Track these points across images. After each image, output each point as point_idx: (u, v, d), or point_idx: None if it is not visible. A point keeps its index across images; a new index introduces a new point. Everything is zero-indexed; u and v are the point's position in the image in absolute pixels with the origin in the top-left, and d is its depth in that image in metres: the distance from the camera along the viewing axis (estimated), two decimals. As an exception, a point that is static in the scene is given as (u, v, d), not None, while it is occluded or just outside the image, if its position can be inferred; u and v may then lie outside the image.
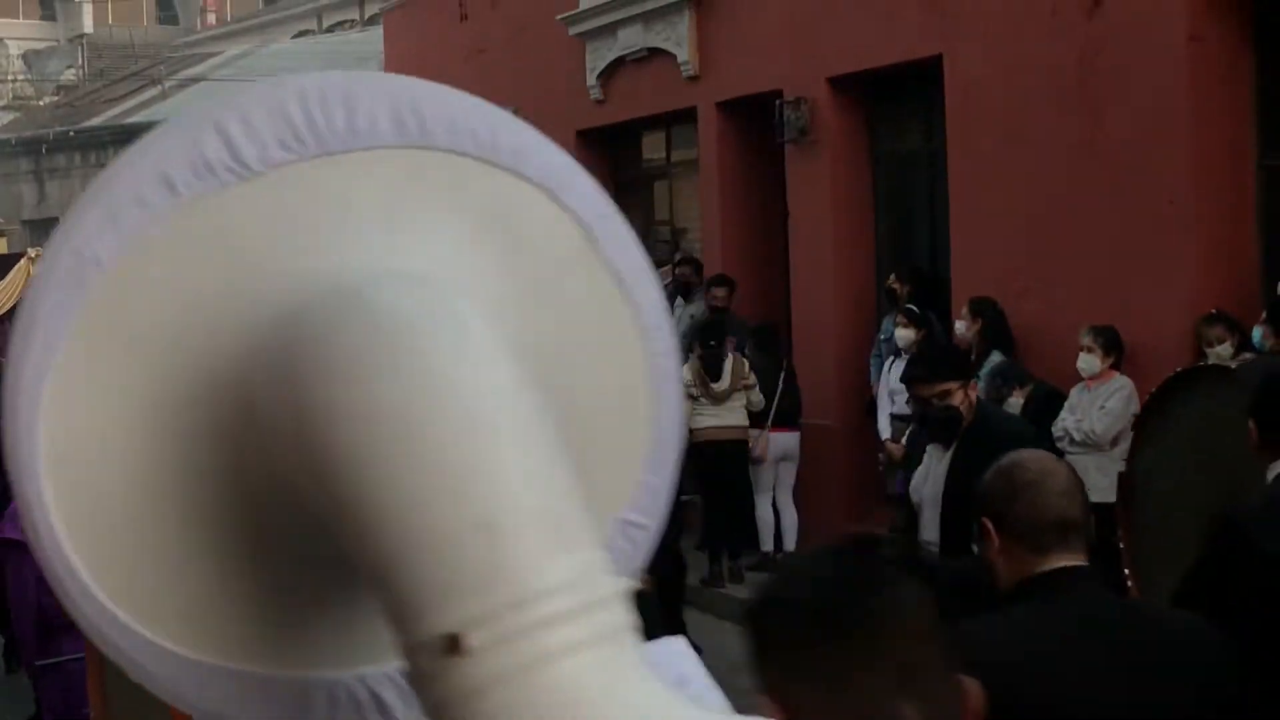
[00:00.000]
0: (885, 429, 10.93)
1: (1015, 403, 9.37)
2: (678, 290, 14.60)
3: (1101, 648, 3.08)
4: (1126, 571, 5.88)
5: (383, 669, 1.99)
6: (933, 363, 6.81)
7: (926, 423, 6.50)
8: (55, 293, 1.88)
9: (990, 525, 3.25)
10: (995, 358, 10.21)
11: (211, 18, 54.55)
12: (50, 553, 1.88)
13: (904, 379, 7.02)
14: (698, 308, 13.95)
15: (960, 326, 10.72)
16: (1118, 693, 3.03)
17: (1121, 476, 6.20)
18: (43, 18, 55.03)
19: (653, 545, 2.22)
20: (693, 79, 14.41)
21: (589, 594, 1.65)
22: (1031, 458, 3.35)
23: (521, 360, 1.89)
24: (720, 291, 13.28)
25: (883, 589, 1.83)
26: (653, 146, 16.40)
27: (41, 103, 42.12)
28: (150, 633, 1.92)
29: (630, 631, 1.68)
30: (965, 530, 4.17)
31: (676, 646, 2.03)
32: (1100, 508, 4.83)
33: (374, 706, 2.01)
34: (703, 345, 12.25)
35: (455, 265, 1.99)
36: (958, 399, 6.25)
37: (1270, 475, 4.09)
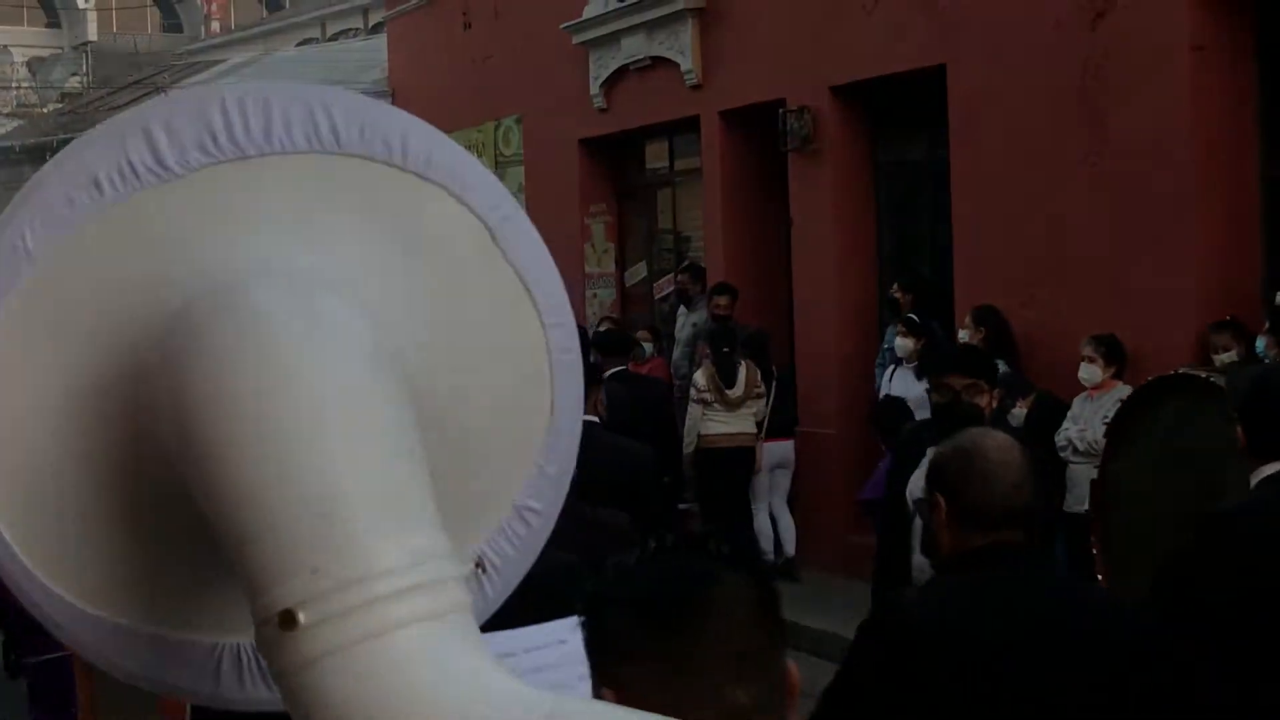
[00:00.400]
0: (888, 438, 10.91)
1: (1019, 413, 9.35)
2: (679, 299, 14.61)
3: (1025, 620, 3.26)
4: (1100, 576, 5.94)
5: None
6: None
7: (950, 415, 6.47)
8: None
9: (941, 500, 3.45)
10: (998, 368, 10.20)
11: (215, 26, 54.57)
12: None
13: (936, 369, 6.98)
14: (700, 315, 13.95)
15: (963, 336, 10.72)
16: (1035, 662, 3.20)
17: (1093, 483, 6.27)
18: (47, 25, 55.11)
19: (549, 529, 2.40)
20: (696, 88, 14.41)
21: (418, 576, 1.78)
22: (993, 446, 3.48)
23: (402, 356, 2.08)
24: (723, 300, 13.27)
25: (711, 584, 1.92)
26: (656, 155, 16.39)
27: (46, 110, 42.16)
28: (64, 593, 2.14)
29: (461, 611, 1.82)
30: None
31: (561, 632, 2.15)
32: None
33: (254, 669, 2.22)
34: (716, 352, 12.25)
35: (350, 263, 2.15)
36: (984, 400, 6.23)
37: (1255, 479, 4.13)
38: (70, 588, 2.16)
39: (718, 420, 12.15)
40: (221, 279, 2.07)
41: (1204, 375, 6.78)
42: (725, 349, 12.22)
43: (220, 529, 1.90)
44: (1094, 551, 6.21)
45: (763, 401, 12.27)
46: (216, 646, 2.25)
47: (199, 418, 1.93)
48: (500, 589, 2.38)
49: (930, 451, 6.46)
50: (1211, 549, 4.00)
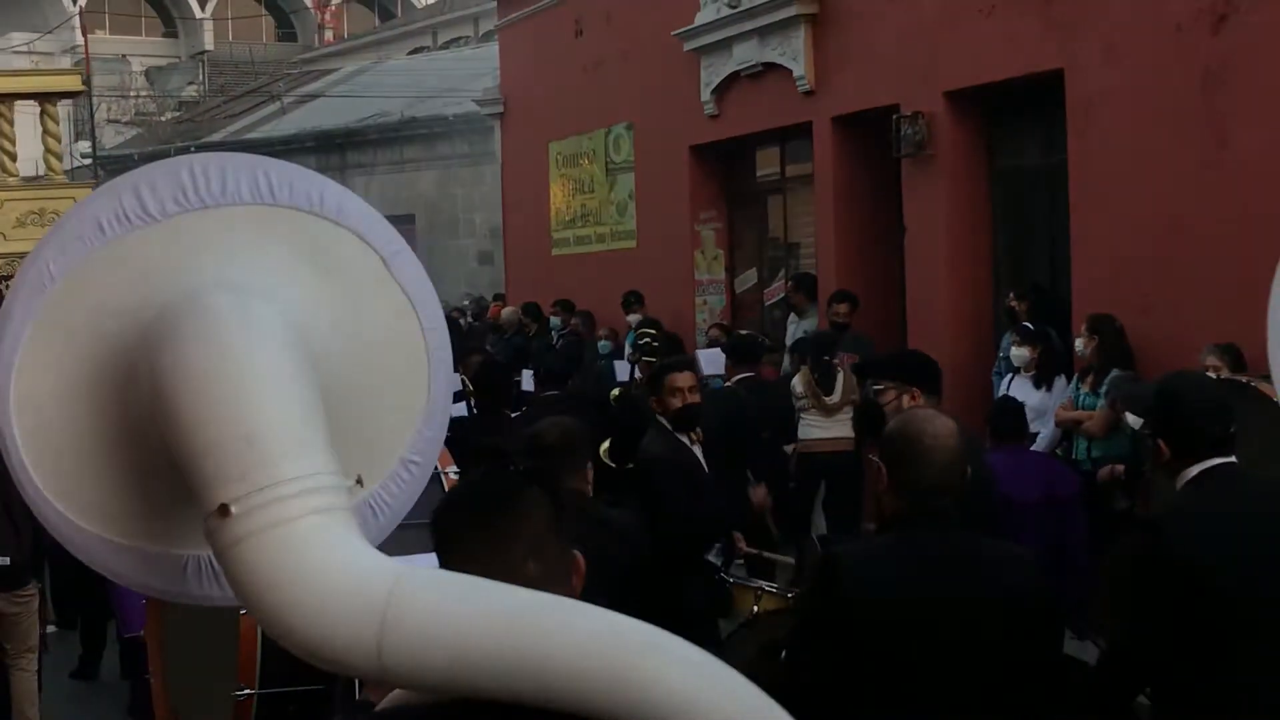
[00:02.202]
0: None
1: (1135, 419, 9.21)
2: (789, 307, 14.54)
3: (948, 571, 4.02)
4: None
5: None
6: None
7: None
8: (24, 295, 3.04)
9: (883, 468, 4.17)
10: (1115, 374, 10.08)
11: (329, 34, 55.19)
12: (15, 463, 3.07)
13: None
14: (810, 323, 13.88)
15: (1079, 344, 10.60)
16: (956, 605, 3.98)
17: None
18: (164, 35, 55.96)
19: (426, 478, 3.40)
20: (808, 94, 14.34)
21: (313, 484, 2.66)
22: (931, 430, 4.14)
23: (312, 341, 3.00)
24: (842, 307, 13.16)
25: (515, 492, 2.69)
26: (767, 162, 16.34)
27: (164, 118, 42.80)
28: (73, 516, 3.10)
29: (343, 509, 2.69)
30: None
31: (424, 560, 2.83)
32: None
33: (209, 573, 3.17)
34: (815, 360, 12.22)
35: (278, 281, 3.08)
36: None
37: (1180, 483, 4.40)
38: (75, 512, 3.10)
39: (815, 426, 12.14)
40: (186, 289, 2.99)
41: (1245, 380, 6.90)
42: (826, 357, 12.24)
43: (181, 454, 2.78)
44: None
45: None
46: (183, 557, 3.18)
47: (166, 378, 2.85)
48: (388, 521, 3.33)
49: None
50: (1149, 552, 4.29)
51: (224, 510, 2.63)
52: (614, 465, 11.51)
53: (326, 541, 2.60)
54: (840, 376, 12.12)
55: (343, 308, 3.15)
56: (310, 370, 2.91)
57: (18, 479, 3.09)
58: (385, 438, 3.29)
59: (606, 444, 11.25)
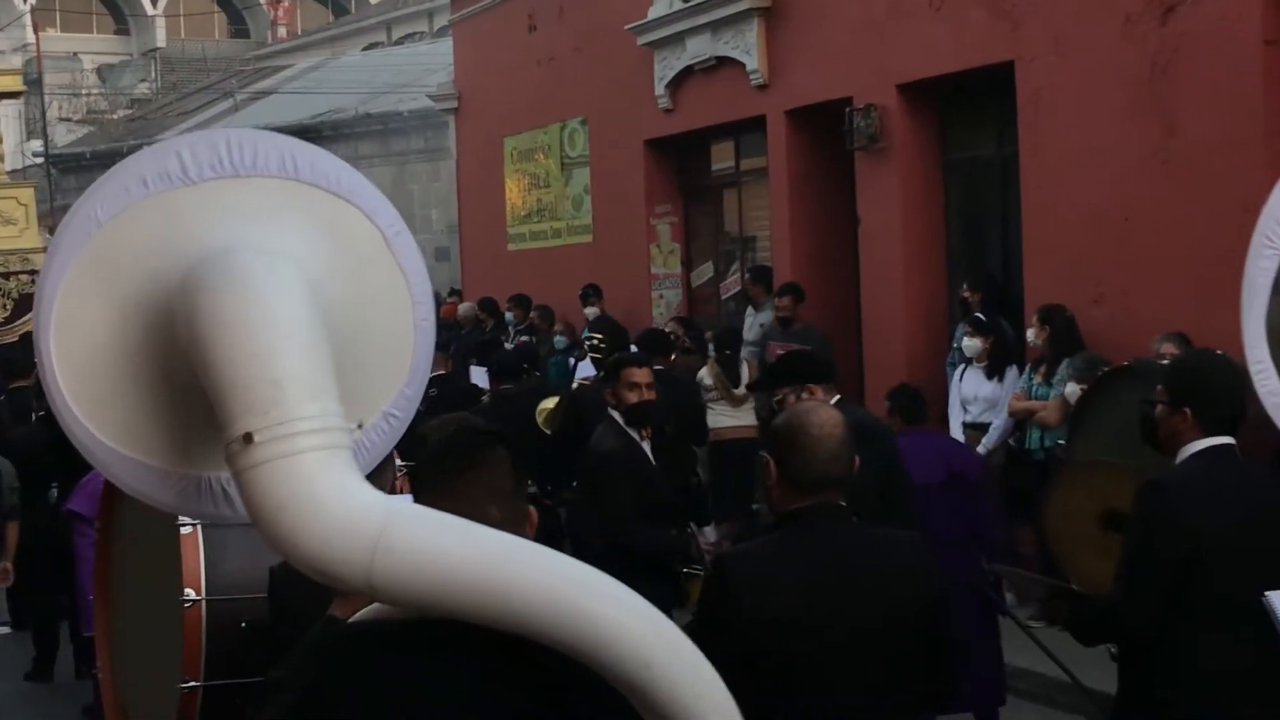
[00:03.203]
0: (959, 436, 10.87)
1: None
2: (745, 301, 14.60)
3: (835, 566, 4.04)
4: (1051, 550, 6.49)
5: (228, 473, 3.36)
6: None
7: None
8: (72, 235, 3.42)
9: (771, 464, 4.15)
10: (1064, 364, 10.14)
11: (282, 31, 54.96)
12: (51, 385, 3.41)
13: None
14: (766, 316, 13.93)
15: (1031, 334, 10.66)
16: (843, 599, 4.00)
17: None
18: (116, 32, 55.65)
19: (402, 431, 3.81)
20: (762, 87, 14.39)
21: (323, 424, 3.06)
22: (816, 421, 4.13)
23: (323, 302, 3.36)
24: (784, 300, 13.35)
25: (483, 446, 3.15)
26: (722, 155, 16.38)
27: (115, 116, 42.57)
28: (101, 435, 3.45)
29: (347, 449, 3.09)
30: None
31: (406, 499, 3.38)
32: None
33: (220, 494, 3.53)
34: (719, 352, 13.12)
35: (297, 247, 3.46)
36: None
37: (1186, 454, 4.75)
38: (99, 428, 3.45)
39: (724, 415, 13.02)
40: (218, 245, 3.37)
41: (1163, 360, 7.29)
42: (728, 350, 13.23)
43: (212, 387, 3.15)
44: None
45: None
46: (200, 478, 3.53)
47: (201, 323, 3.21)
48: (366, 466, 3.55)
49: None
50: (1154, 514, 4.65)
51: (248, 438, 3.03)
52: (548, 432, 11.61)
53: (332, 473, 3.01)
54: (744, 368, 13.08)
55: (348, 274, 3.56)
56: (323, 324, 3.30)
57: (50, 396, 3.46)
58: (372, 391, 3.69)
59: (551, 403, 11.26)
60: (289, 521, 2.98)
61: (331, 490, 2.99)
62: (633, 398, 7.63)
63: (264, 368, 3.12)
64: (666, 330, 13.67)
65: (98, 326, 3.40)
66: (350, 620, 3.19)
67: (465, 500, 3.04)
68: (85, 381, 3.43)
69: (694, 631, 4.14)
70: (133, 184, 3.42)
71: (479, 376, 13.28)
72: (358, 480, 3.06)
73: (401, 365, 3.73)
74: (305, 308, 3.27)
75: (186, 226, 3.41)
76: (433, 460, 3.20)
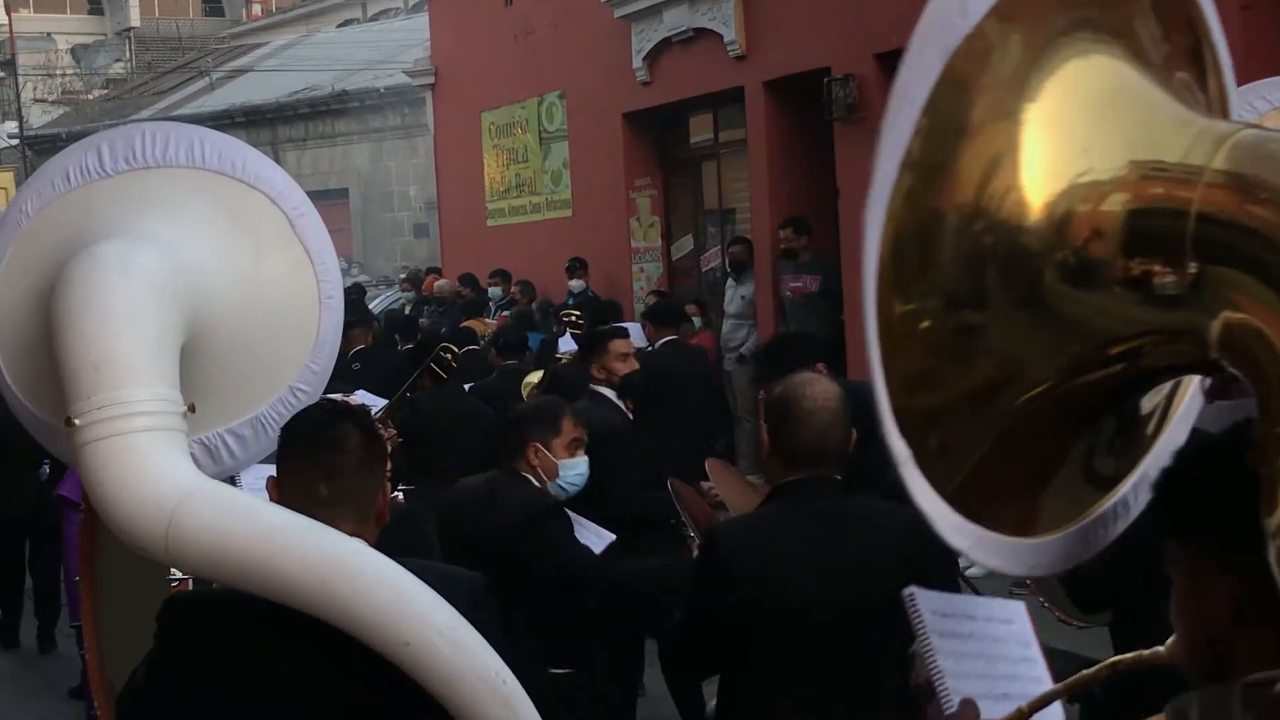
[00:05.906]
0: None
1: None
2: (731, 271, 14.54)
3: (829, 539, 4.03)
4: None
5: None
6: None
7: None
8: (5, 229, 3.79)
9: (767, 435, 4.16)
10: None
11: (257, 9, 54.65)
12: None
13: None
14: (749, 288, 13.90)
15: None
16: (832, 574, 4.00)
17: None
18: (90, 12, 55.30)
19: (310, 403, 3.86)
20: (740, 59, 14.34)
21: (146, 407, 3.32)
22: (809, 394, 4.09)
23: (213, 287, 3.70)
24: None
25: (328, 426, 3.22)
26: (700, 128, 16.33)
27: (90, 96, 42.41)
28: (26, 401, 3.90)
29: (173, 430, 3.36)
30: None
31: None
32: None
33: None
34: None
35: (193, 233, 3.73)
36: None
37: None
38: (29, 397, 3.86)
39: None
40: (108, 235, 3.63)
41: None
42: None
43: (59, 369, 3.43)
44: None
45: None
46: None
47: (55, 309, 3.49)
48: (273, 439, 3.66)
49: None
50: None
51: (70, 421, 3.33)
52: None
53: (140, 454, 3.29)
54: (751, 334, 13.11)
55: (251, 256, 3.82)
56: (178, 311, 3.57)
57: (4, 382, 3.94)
58: (279, 367, 3.93)
59: (535, 378, 11.24)
60: (101, 497, 3.27)
61: (137, 469, 3.25)
62: (623, 369, 7.62)
63: (87, 353, 3.39)
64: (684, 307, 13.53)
65: (19, 304, 3.79)
66: (193, 591, 3.53)
67: (296, 477, 3.21)
68: (10, 350, 3.87)
69: (687, 606, 4.34)
70: (57, 179, 3.80)
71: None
72: (169, 459, 3.32)
73: (308, 342, 3.97)
74: (151, 293, 3.51)
75: (98, 218, 3.72)
76: (280, 437, 3.36)
